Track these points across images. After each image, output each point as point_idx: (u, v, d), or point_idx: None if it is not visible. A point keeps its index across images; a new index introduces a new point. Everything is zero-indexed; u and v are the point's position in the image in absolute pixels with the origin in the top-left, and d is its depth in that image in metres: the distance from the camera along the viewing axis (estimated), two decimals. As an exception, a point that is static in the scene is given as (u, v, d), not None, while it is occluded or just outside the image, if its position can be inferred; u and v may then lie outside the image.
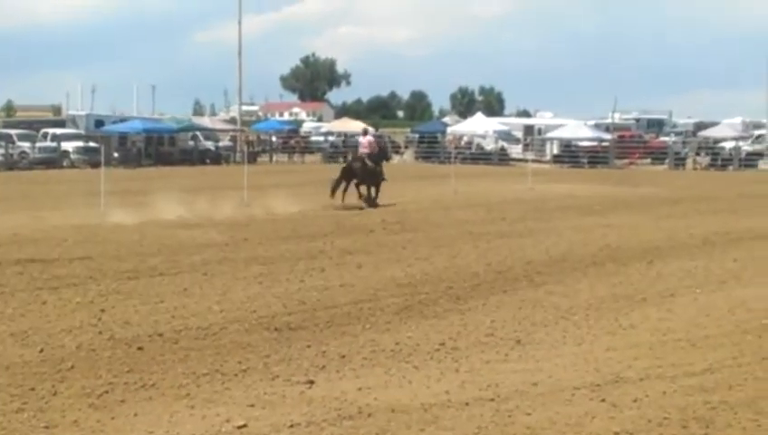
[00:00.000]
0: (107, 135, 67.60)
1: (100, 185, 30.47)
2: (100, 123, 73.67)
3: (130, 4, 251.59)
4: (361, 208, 32.05)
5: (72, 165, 62.37)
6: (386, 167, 36.19)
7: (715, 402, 9.94)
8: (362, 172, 33.87)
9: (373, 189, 33.97)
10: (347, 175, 33.78)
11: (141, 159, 66.94)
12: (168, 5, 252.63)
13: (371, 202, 33.38)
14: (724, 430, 9.16)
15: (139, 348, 12.27)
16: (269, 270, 18.52)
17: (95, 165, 49.46)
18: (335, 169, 37.04)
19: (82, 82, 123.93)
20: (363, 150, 34.90)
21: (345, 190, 33.28)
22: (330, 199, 32.65)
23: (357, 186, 33.70)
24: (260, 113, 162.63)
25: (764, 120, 73.69)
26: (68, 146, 64.01)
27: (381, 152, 37.39)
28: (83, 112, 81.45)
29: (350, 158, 39.92)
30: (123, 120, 76.71)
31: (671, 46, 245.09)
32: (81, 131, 69.81)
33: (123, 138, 69.50)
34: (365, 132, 37.95)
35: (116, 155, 64.71)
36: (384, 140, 78.82)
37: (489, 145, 75.74)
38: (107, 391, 10.36)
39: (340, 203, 32.44)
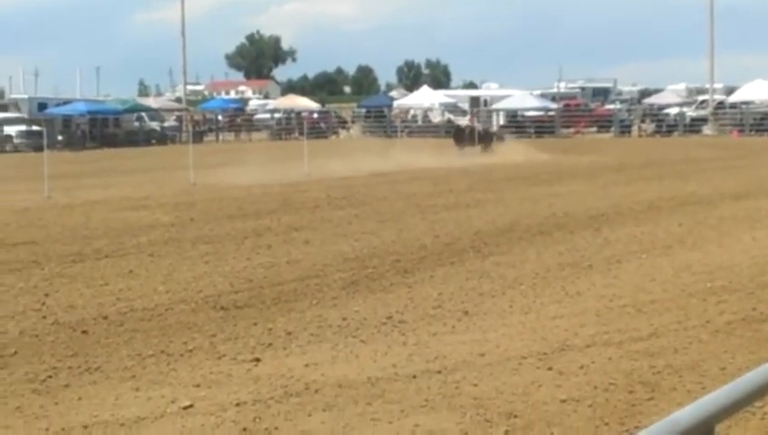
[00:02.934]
0: (50, 118, 66.94)
1: (43, 168, 30.14)
2: (43, 106, 72.89)
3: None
4: None
5: (16, 149, 61.68)
6: (330, 142, 36.49)
7: (661, 366, 9.98)
8: None
9: None
10: None
11: (86, 142, 66.39)
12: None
13: None
14: (670, 393, 9.20)
15: (84, 331, 12.14)
16: (215, 249, 18.42)
17: (39, 149, 48.87)
18: (283, 147, 36.95)
19: (24, 65, 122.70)
20: None
21: None
22: None
23: None
24: (206, 92, 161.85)
25: (708, 86, 74.08)
26: (10, 130, 63.33)
27: None
28: (26, 96, 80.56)
29: None
30: (67, 102, 75.92)
31: (615, 14, 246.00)
32: (24, 115, 69.06)
33: (67, 120, 68.91)
34: None
35: (60, 138, 64.22)
36: (331, 115, 79.02)
37: (436, 118, 75.78)
38: (51, 376, 10.24)
39: None
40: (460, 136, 50.87)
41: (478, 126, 53.27)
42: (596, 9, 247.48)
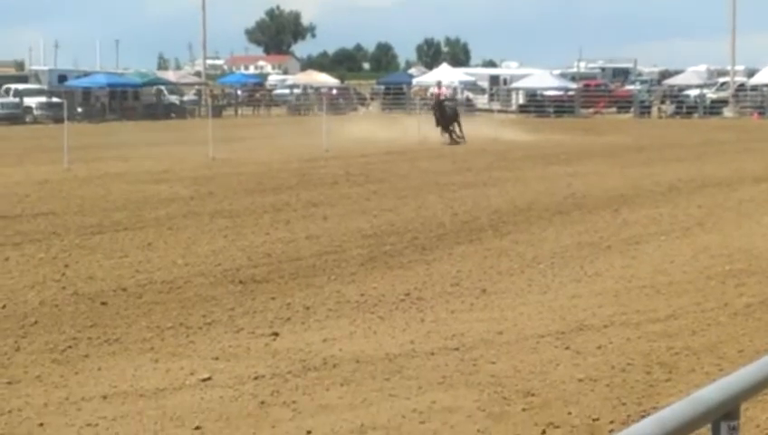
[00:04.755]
0: (70, 90, 67.02)
1: (63, 140, 30.20)
2: (63, 78, 72.96)
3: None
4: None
5: (36, 120, 61.74)
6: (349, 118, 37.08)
7: (679, 348, 9.99)
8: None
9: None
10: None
11: (105, 114, 66.38)
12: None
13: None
14: (687, 374, 9.21)
15: (103, 303, 12.20)
16: (234, 223, 18.45)
17: (58, 120, 48.87)
18: (302, 122, 37.06)
19: (45, 37, 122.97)
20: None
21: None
22: None
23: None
24: (225, 67, 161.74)
25: (729, 68, 73.76)
26: (31, 102, 63.38)
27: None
28: (46, 68, 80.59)
29: None
30: (86, 74, 75.96)
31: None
32: (44, 87, 69.14)
33: (87, 93, 68.94)
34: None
35: (80, 110, 64.20)
36: (350, 91, 78.95)
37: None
38: (70, 347, 10.30)
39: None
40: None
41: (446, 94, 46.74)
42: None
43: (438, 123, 41.04)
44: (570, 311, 11.69)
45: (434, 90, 46.65)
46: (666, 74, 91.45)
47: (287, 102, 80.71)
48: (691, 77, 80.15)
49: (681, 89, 74.83)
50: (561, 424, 8.01)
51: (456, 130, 41.30)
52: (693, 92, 71.29)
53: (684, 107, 68.32)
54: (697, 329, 10.76)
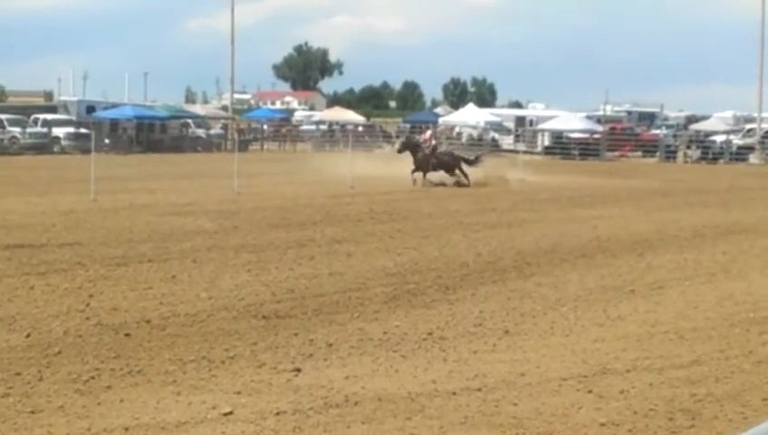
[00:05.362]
0: (98, 121, 67.43)
1: (90, 171, 30.36)
2: (91, 109, 73.47)
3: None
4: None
5: (63, 151, 62.20)
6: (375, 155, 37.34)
7: (702, 395, 9.94)
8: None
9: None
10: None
11: (132, 146, 66.79)
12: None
13: None
14: (711, 422, 9.16)
15: (127, 334, 12.24)
16: (258, 258, 18.49)
17: (86, 151, 49.23)
18: (328, 159, 37.27)
19: (74, 68, 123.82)
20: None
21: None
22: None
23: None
24: (252, 102, 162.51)
25: (755, 115, 73.63)
26: (59, 132, 63.88)
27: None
28: (75, 98, 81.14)
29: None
30: (114, 106, 76.47)
31: (663, 39, 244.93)
32: (73, 117, 69.64)
33: (114, 124, 69.41)
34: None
35: (107, 141, 64.60)
36: (376, 129, 79.15)
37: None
38: (93, 377, 10.34)
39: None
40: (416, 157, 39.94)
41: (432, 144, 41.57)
42: (643, 33, 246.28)
43: (419, 168, 39.17)
44: (592, 354, 11.65)
45: (424, 136, 43.51)
46: (692, 119, 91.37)
47: (313, 138, 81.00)
48: (717, 123, 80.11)
49: (707, 134, 74.76)
50: (583, 468, 7.98)
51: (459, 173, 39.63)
52: (719, 138, 71.21)
53: (710, 152, 68.20)
54: (721, 376, 10.71)
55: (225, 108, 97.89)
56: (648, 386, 10.24)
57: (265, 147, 77.68)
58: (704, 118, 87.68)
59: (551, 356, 11.56)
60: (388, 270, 17.43)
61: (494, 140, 74.66)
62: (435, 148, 41.20)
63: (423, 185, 38.41)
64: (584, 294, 15.65)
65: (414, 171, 39.13)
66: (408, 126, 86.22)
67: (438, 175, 39.28)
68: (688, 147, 71.31)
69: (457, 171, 39.49)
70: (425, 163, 39.21)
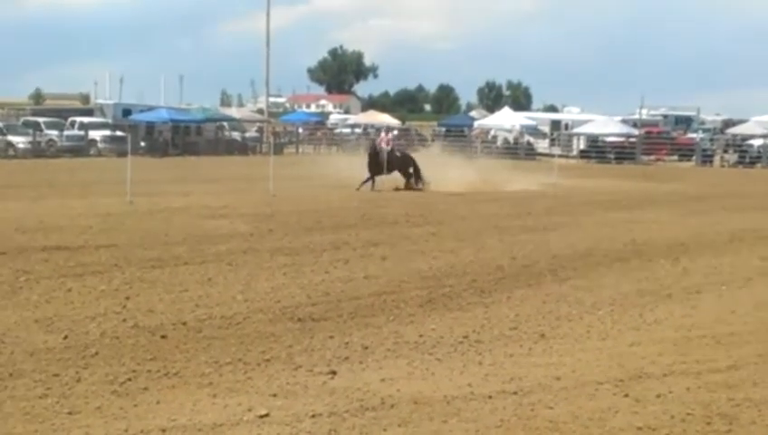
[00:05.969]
0: (134, 124, 67.78)
1: (126, 173, 30.52)
2: (127, 112, 73.74)
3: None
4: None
5: (99, 153, 62.55)
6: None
7: (740, 399, 9.88)
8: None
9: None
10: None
11: (168, 149, 67.04)
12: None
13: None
14: (748, 426, 9.11)
15: (163, 336, 12.30)
16: (293, 261, 18.53)
17: (122, 154, 49.50)
18: (363, 162, 37.37)
19: (111, 71, 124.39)
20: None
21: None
22: None
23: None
24: (287, 105, 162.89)
25: (794, 118, 73.12)
26: (95, 134, 64.22)
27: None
28: (111, 101, 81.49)
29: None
30: (150, 109, 76.79)
31: (699, 43, 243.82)
32: (109, 120, 69.98)
33: (150, 127, 69.66)
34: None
35: (143, 144, 64.82)
36: (411, 132, 79.16)
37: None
38: (130, 379, 10.40)
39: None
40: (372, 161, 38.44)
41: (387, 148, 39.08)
42: (680, 37, 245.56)
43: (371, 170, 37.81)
44: (629, 358, 11.61)
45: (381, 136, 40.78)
46: (729, 123, 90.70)
47: (348, 142, 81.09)
48: (755, 127, 79.38)
49: (744, 138, 74.16)
50: (620, 473, 7.95)
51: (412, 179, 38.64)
52: (756, 142, 70.67)
53: (747, 156, 67.77)
54: (759, 380, 10.64)
55: (260, 111, 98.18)
56: (686, 390, 10.19)
57: (300, 150, 77.85)
58: (740, 122, 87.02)
59: (587, 360, 11.53)
60: (423, 273, 17.43)
61: (529, 143, 74.47)
62: (392, 150, 39.60)
63: (372, 189, 37.19)
64: (620, 298, 15.59)
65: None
66: (443, 129, 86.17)
67: (392, 177, 38.47)
68: (725, 151, 70.87)
69: (412, 175, 38.50)
70: (378, 166, 38.02)
